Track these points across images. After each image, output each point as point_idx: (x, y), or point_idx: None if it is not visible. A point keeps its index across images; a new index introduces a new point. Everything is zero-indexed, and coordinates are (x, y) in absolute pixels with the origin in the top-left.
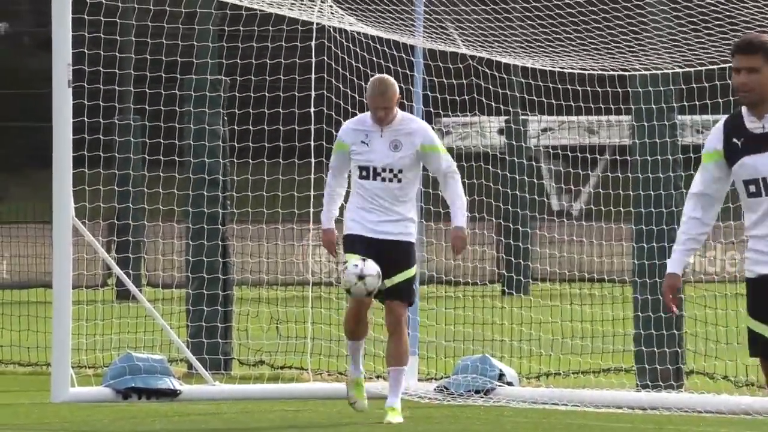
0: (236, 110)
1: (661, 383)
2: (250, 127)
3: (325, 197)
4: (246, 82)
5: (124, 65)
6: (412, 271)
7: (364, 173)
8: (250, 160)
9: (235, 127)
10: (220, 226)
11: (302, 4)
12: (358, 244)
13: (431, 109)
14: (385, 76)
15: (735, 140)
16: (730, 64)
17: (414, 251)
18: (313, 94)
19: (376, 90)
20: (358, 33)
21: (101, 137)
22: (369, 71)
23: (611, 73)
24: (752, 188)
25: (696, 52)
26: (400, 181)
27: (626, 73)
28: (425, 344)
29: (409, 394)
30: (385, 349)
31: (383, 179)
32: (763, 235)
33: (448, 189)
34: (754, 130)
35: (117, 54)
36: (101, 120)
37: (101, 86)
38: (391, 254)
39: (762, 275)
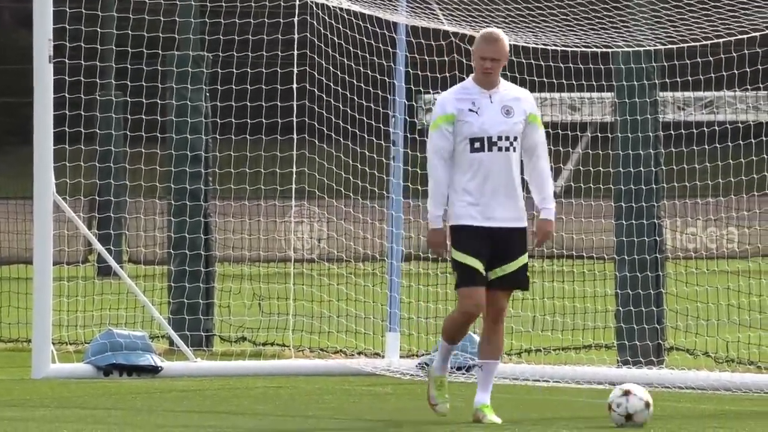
0: (219, 86)
1: (641, 359)
2: (233, 104)
3: (435, 187)
4: (228, 58)
5: (105, 41)
6: (526, 257)
7: (477, 145)
8: (233, 137)
9: (218, 104)
10: (202, 203)
11: None
12: (475, 240)
13: (413, 87)
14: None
15: None
16: (712, 41)
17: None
18: (295, 70)
19: (485, 38)
20: (341, 9)
21: (82, 113)
22: (351, 48)
23: (593, 49)
24: None
25: (678, 29)
26: (515, 150)
27: (608, 50)
28: (407, 321)
29: (390, 370)
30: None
31: (500, 149)
32: None
33: (540, 166)
34: None
35: (98, 29)
36: (82, 96)
37: (82, 62)
38: (507, 243)
39: None
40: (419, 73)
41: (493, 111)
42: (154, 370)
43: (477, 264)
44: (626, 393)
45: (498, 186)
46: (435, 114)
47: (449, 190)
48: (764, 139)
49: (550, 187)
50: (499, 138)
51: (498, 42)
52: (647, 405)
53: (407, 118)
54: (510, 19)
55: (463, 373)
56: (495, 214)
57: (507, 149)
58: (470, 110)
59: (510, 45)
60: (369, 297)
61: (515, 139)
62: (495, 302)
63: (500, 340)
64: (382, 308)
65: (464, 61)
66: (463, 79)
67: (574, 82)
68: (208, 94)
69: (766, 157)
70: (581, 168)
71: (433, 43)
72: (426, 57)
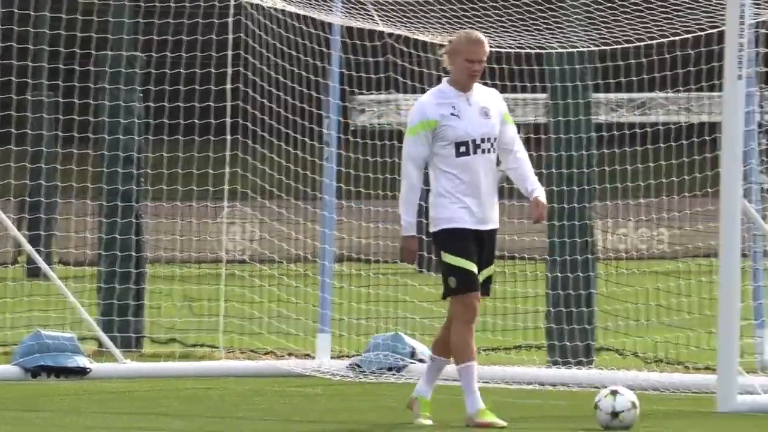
0: (152, 87)
1: (571, 360)
2: (166, 104)
3: (406, 195)
4: (162, 58)
5: (37, 41)
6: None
7: (462, 149)
8: (166, 137)
9: (151, 104)
10: (133, 204)
11: None
12: (469, 243)
13: (347, 88)
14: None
15: None
16: (646, 43)
17: None
18: (229, 71)
19: (472, 39)
20: (275, 10)
21: (13, 113)
22: (286, 48)
23: (527, 50)
24: None
25: (612, 31)
26: (495, 151)
27: (542, 51)
28: (337, 322)
29: (321, 371)
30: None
31: (483, 151)
32: None
33: (522, 157)
34: None
35: (30, 29)
36: (13, 96)
37: (14, 62)
38: (491, 246)
39: None
40: (353, 74)
41: (473, 113)
42: (82, 372)
43: (474, 267)
44: (614, 392)
45: (484, 188)
46: (413, 119)
47: (431, 195)
48: (696, 140)
49: (534, 174)
50: (482, 140)
51: (483, 43)
52: (634, 405)
53: (341, 119)
54: (444, 20)
55: (394, 374)
56: (485, 216)
57: (489, 151)
58: (452, 114)
59: (444, 46)
60: (300, 298)
61: (495, 140)
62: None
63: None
64: (313, 309)
65: (398, 62)
66: (398, 80)
67: (507, 83)
68: (140, 94)
69: (697, 158)
70: None
71: (367, 43)
72: (360, 58)
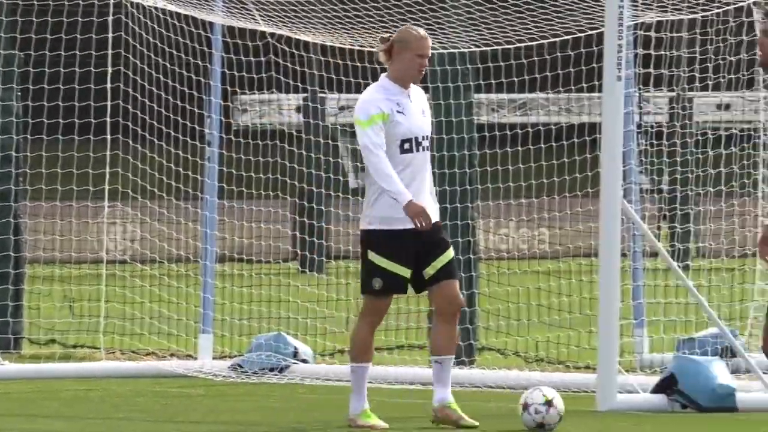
0: (30, 86)
1: (465, 359)
2: (45, 103)
3: (388, 172)
4: (41, 57)
5: None
6: (452, 251)
7: (407, 146)
8: (45, 137)
9: (30, 103)
10: (12, 204)
11: None
12: (402, 245)
13: (228, 87)
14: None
15: None
16: (526, 44)
17: None
18: (109, 70)
19: (422, 35)
20: (156, 9)
21: None
22: (167, 48)
23: None
24: None
25: (493, 31)
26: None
27: None
28: (219, 323)
29: (203, 372)
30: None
31: (423, 148)
32: None
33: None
34: None
35: None
36: None
37: None
38: (437, 236)
39: None
40: (235, 73)
41: (414, 110)
42: None
43: (403, 271)
44: (549, 403)
45: (424, 185)
46: (367, 112)
47: (369, 192)
48: (576, 141)
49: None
50: (423, 138)
51: (428, 39)
52: (560, 418)
53: (222, 118)
54: (326, 20)
55: (276, 374)
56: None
57: (426, 148)
58: (398, 111)
59: (327, 47)
60: (182, 298)
61: (429, 138)
62: (451, 295)
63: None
64: (195, 310)
65: (280, 61)
66: (280, 80)
67: None
68: (19, 93)
69: (577, 158)
70: None
71: (249, 43)
72: (242, 57)
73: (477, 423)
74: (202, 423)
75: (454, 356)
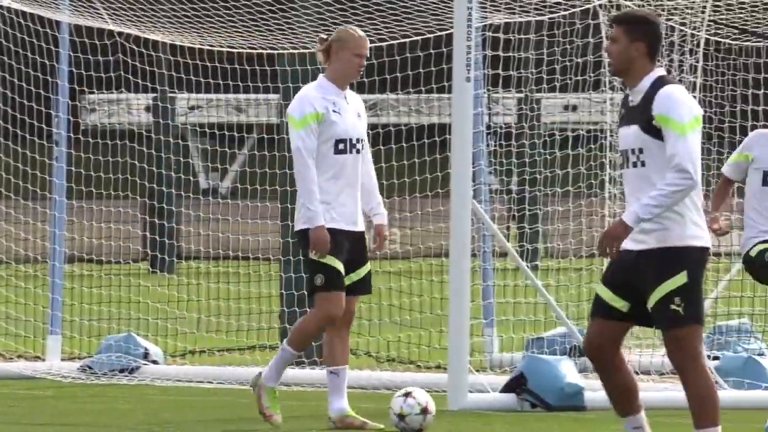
0: None
1: (305, 360)
2: None
3: (309, 186)
4: None
5: None
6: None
7: (341, 146)
8: None
9: None
10: None
11: None
12: (338, 243)
13: (77, 87)
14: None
15: (623, 110)
16: (376, 44)
17: None
18: None
19: (359, 34)
20: (2, 7)
21: None
22: (12, 47)
23: (259, 51)
24: (620, 159)
25: None
26: (363, 153)
27: (274, 52)
28: (68, 324)
29: (51, 373)
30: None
31: (357, 151)
32: (626, 208)
33: (371, 170)
34: (630, 103)
35: None
36: None
37: None
38: (361, 247)
39: (623, 248)
40: (83, 72)
41: (350, 112)
42: None
43: (341, 267)
44: (424, 411)
45: (355, 189)
46: (302, 112)
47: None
48: (426, 141)
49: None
50: (357, 140)
51: (366, 39)
52: (424, 411)
53: (71, 118)
54: (175, 19)
55: (126, 375)
56: (355, 218)
57: (359, 151)
58: (334, 111)
59: (176, 46)
60: (30, 299)
61: (364, 142)
62: (349, 307)
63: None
64: (43, 311)
65: (129, 61)
66: (128, 79)
67: (239, 83)
68: None
69: (428, 159)
70: (247, 169)
71: (97, 42)
72: (90, 56)
73: (381, 425)
74: (50, 425)
75: (348, 366)
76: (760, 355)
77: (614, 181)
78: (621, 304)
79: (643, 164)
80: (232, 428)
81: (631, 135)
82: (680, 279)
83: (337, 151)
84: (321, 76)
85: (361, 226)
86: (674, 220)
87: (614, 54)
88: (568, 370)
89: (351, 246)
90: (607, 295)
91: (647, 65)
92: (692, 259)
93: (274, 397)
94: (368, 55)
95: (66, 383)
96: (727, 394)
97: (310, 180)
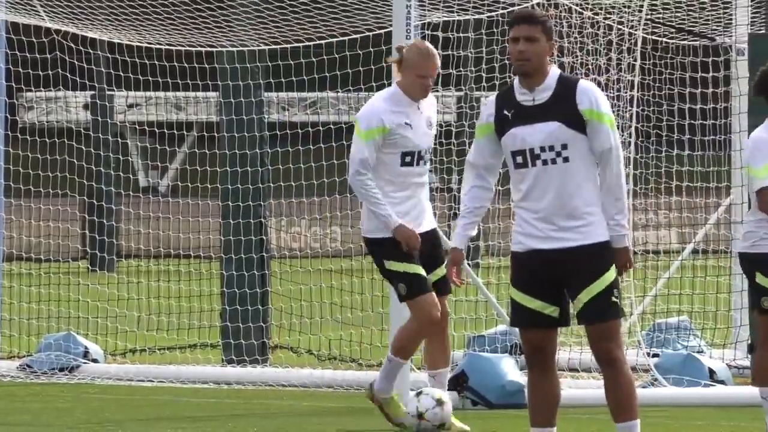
0: None
1: (246, 358)
2: None
3: (375, 195)
4: None
5: None
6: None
7: (408, 159)
8: None
9: None
10: None
11: None
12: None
13: (14, 84)
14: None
15: (506, 112)
16: (315, 42)
17: None
18: None
19: (422, 54)
20: None
21: None
22: None
23: (198, 49)
24: (519, 159)
25: (282, 30)
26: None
27: (213, 49)
28: (7, 322)
29: None
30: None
31: (425, 162)
32: (530, 207)
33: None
34: (524, 102)
35: None
36: None
37: None
38: (434, 247)
39: (531, 249)
40: (20, 70)
41: (422, 124)
42: None
43: (420, 269)
44: (418, 394)
45: (420, 197)
46: (369, 124)
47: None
48: None
49: None
50: (426, 152)
51: (435, 56)
52: (439, 402)
53: (8, 116)
54: (113, 16)
55: (66, 374)
56: (421, 220)
57: (427, 162)
58: (406, 123)
59: (114, 44)
60: None
61: (430, 148)
62: (445, 311)
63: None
64: None
65: (67, 58)
66: (66, 77)
67: (179, 81)
68: None
69: None
70: (187, 167)
71: (34, 40)
72: (27, 54)
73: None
74: None
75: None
76: (699, 352)
77: None
78: (551, 310)
79: (566, 159)
80: (173, 426)
81: (546, 131)
82: (612, 273)
83: (404, 164)
84: (395, 83)
85: (427, 226)
86: (595, 215)
87: (533, 53)
88: (509, 368)
89: (423, 248)
90: (534, 303)
91: (549, 63)
92: (612, 253)
93: (397, 405)
94: (435, 75)
95: (5, 382)
96: (666, 391)
97: (370, 188)
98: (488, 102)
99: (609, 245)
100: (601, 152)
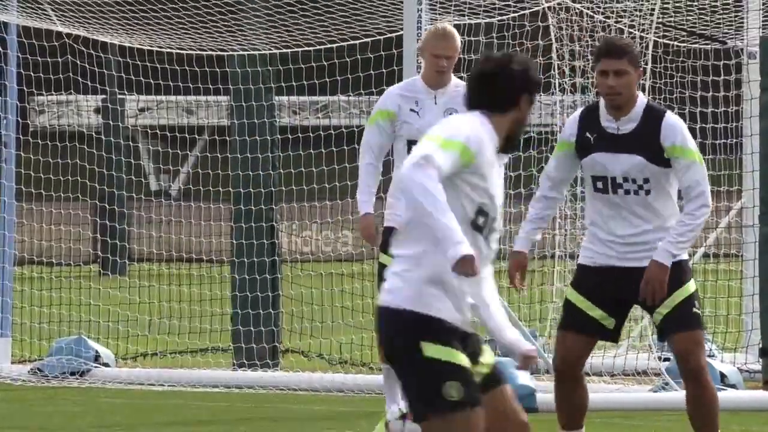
0: None
1: (257, 362)
2: None
3: (364, 176)
4: None
5: None
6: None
7: (413, 147)
8: None
9: None
10: None
11: None
12: None
13: (25, 88)
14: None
15: (588, 135)
16: (326, 46)
17: None
18: None
19: (437, 34)
20: None
21: None
22: None
23: (209, 53)
24: (599, 185)
25: (293, 34)
26: None
27: (224, 53)
28: (19, 326)
29: (1, 376)
30: None
31: None
32: (608, 231)
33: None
34: (609, 129)
35: None
36: None
37: None
38: None
39: (606, 265)
40: (32, 74)
41: (435, 113)
42: None
43: None
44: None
45: None
46: (376, 107)
47: (393, 188)
48: None
49: None
50: None
51: (451, 37)
52: None
53: (20, 119)
54: (125, 21)
55: (77, 378)
56: None
57: None
58: (411, 110)
59: (125, 48)
60: None
61: None
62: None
63: None
64: None
65: (78, 62)
66: (77, 81)
67: (190, 84)
68: None
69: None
70: (198, 171)
71: (46, 44)
72: (39, 58)
73: None
74: (0, 429)
75: None
76: (711, 356)
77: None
78: (609, 321)
79: (647, 192)
80: (184, 431)
81: (629, 164)
82: (692, 286)
83: (410, 151)
84: (420, 71)
85: None
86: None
87: (623, 86)
88: (521, 372)
89: None
90: (595, 312)
91: (637, 90)
92: (689, 270)
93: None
94: (450, 55)
95: (16, 386)
96: (677, 395)
97: (361, 170)
98: (572, 119)
99: (686, 262)
100: (686, 187)
